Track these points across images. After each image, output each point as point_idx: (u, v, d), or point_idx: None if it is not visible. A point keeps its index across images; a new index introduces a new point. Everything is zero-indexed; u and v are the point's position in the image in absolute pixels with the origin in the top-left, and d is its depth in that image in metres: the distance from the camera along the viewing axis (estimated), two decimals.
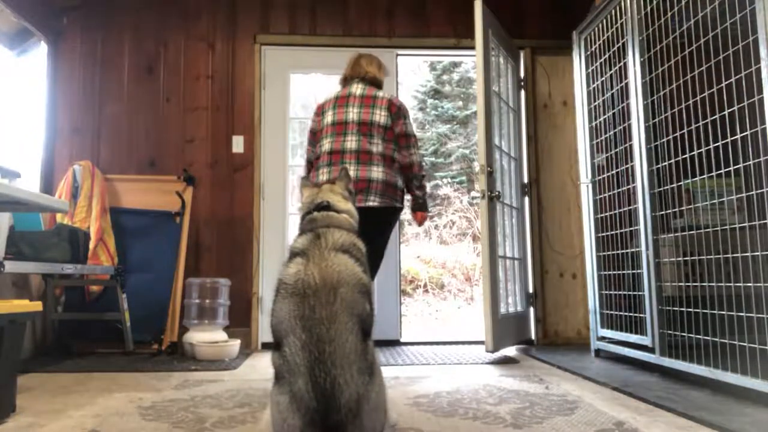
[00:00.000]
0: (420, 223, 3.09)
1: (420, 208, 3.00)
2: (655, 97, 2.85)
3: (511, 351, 3.79)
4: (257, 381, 2.73)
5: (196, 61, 4.18)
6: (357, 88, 2.93)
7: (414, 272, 8.81)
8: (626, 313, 3.11)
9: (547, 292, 4.18)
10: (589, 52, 3.54)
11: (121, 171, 4.02)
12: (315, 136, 2.97)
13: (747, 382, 2.15)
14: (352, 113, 2.85)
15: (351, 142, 2.79)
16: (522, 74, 4.35)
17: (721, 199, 2.77)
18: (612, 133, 3.28)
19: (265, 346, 3.92)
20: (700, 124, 2.47)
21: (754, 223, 2.22)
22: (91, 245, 3.55)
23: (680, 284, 2.74)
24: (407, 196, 2.98)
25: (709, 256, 2.52)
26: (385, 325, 4.01)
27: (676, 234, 2.81)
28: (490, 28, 3.73)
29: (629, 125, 3.03)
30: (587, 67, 3.56)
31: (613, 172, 3.29)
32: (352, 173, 2.66)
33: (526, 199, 4.25)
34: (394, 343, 4.11)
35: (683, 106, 2.59)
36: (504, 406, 2.18)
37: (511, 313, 3.81)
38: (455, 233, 9.74)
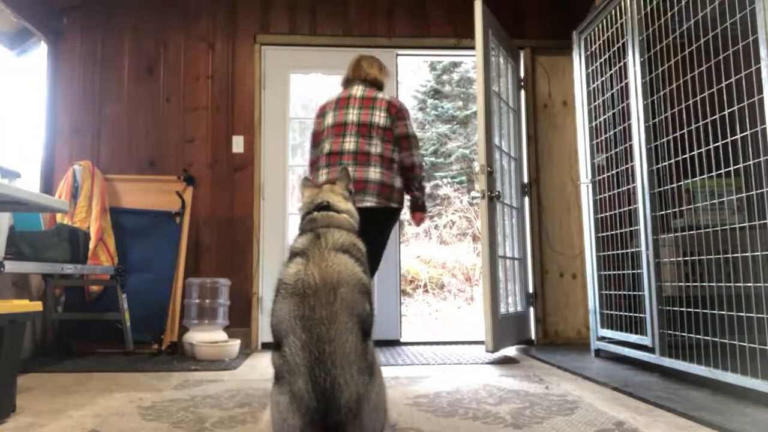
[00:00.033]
0: (418, 224, 3.12)
1: (419, 209, 3.03)
2: (655, 97, 2.85)
3: (511, 351, 3.79)
4: (257, 381, 2.73)
5: (196, 61, 4.19)
6: (357, 90, 2.93)
7: (414, 272, 8.81)
8: (626, 313, 3.11)
9: (547, 292, 4.18)
10: (589, 52, 3.54)
11: (121, 171, 4.02)
12: (316, 138, 2.98)
13: (747, 382, 2.15)
14: (352, 115, 2.85)
15: (350, 144, 2.79)
16: (522, 74, 4.35)
17: (721, 199, 2.77)
18: (612, 133, 3.28)
19: (265, 346, 3.92)
20: (700, 124, 2.47)
21: (754, 223, 2.22)
22: (91, 245, 3.55)
23: (680, 284, 2.74)
24: (407, 197, 2.99)
25: (709, 256, 2.52)
26: (385, 325, 4.01)
27: (676, 234, 2.81)
28: (490, 28, 3.73)
29: (629, 125, 3.03)
30: (587, 67, 3.56)
31: (613, 172, 3.29)
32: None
33: (526, 199, 4.25)
34: (394, 343, 4.11)
35: (683, 106, 2.59)
36: (504, 406, 2.19)
37: (511, 313, 3.81)
38: (455, 233, 9.74)
